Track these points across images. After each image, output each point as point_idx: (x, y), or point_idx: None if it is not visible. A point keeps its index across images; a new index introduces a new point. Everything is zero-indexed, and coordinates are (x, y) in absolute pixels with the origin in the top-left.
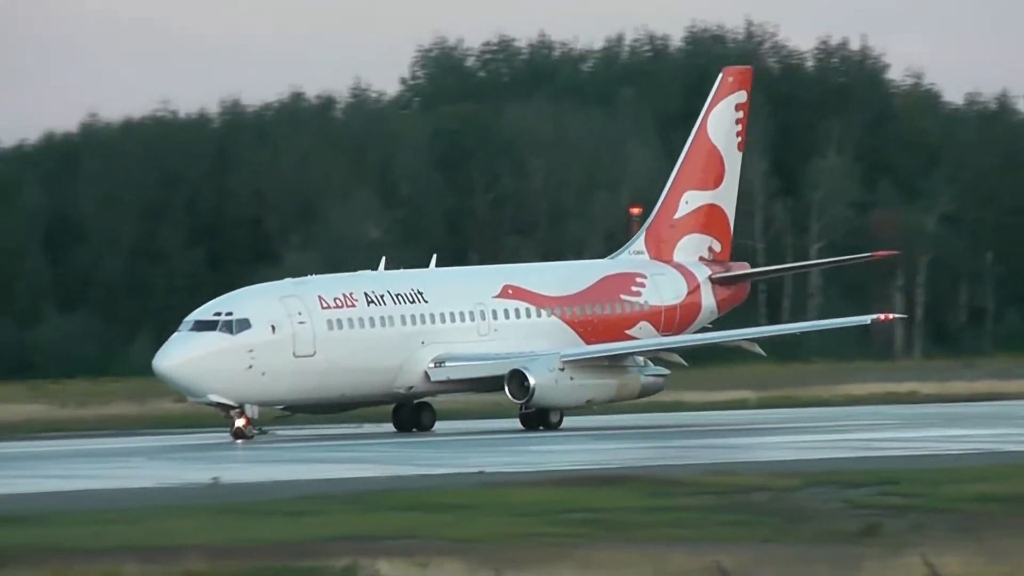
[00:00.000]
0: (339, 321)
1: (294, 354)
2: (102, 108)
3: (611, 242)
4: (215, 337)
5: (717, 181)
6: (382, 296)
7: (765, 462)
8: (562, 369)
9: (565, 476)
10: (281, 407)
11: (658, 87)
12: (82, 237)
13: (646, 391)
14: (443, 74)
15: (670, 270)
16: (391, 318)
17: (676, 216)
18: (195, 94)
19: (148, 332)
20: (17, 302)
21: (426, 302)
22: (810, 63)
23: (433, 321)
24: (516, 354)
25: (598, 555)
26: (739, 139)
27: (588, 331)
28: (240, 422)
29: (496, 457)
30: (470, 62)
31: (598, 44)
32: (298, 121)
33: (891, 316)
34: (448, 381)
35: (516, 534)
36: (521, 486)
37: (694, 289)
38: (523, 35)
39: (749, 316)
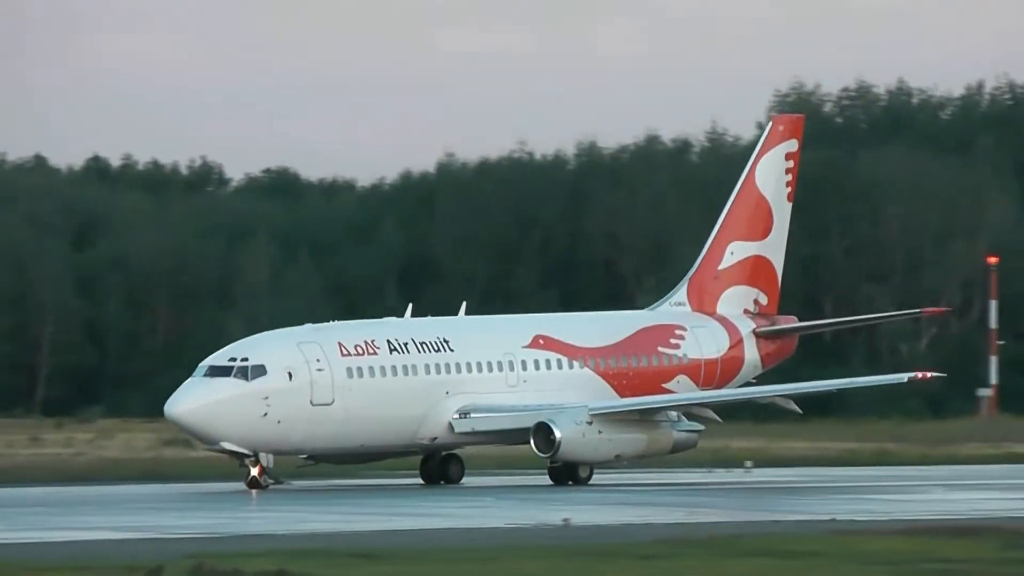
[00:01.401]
0: (359, 369)
1: (311, 402)
2: (459, 149)
3: (967, 291)
4: (229, 383)
5: (765, 232)
6: (406, 344)
7: None
8: (590, 422)
9: (918, 525)
10: (303, 456)
11: (1018, 135)
12: (438, 275)
13: (679, 447)
14: None
15: (711, 323)
16: (414, 367)
17: (720, 267)
18: (551, 136)
19: None
20: None
21: (452, 351)
22: None
23: (459, 370)
24: (543, 406)
25: None
26: (789, 189)
27: (623, 384)
28: (255, 471)
29: (847, 505)
30: (827, 108)
31: (957, 91)
32: (653, 164)
33: (929, 375)
34: (473, 433)
35: None
36: (873, 534)
37: (736, 343)
38: (882, 82)
39: None
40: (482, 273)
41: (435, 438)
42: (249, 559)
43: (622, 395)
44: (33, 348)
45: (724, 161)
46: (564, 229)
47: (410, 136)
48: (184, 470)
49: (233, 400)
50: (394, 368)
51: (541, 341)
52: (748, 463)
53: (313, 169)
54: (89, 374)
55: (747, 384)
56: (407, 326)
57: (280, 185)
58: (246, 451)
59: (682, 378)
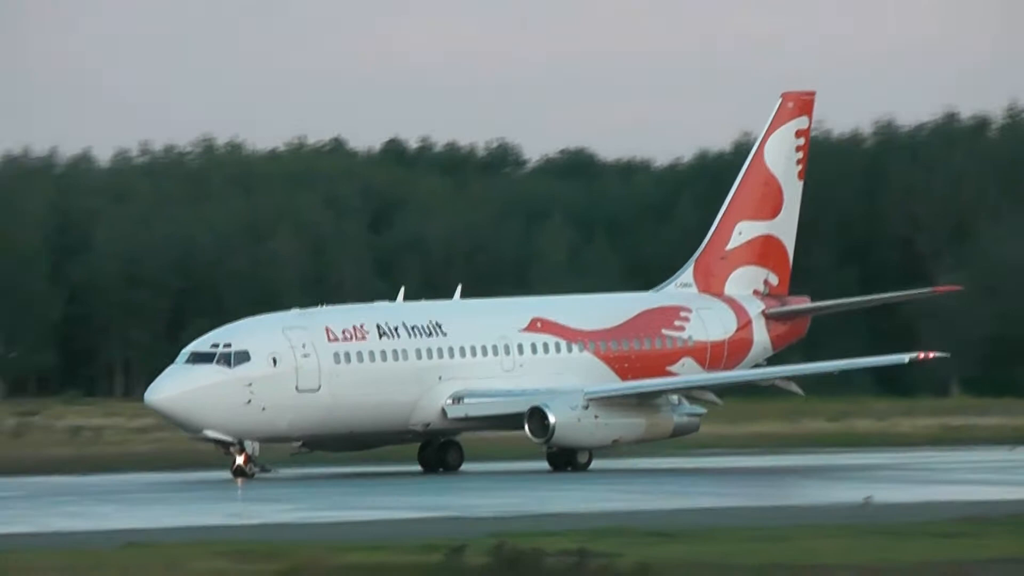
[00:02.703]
0: (347, 354)
1: (297, 388)
2: (755, 127)
3: None
4: (211, 370)
5: (775, 211)
6: (396, 328)
7: None
8: (586, 407)
9: None
10: (298, 444)
11: None
12: None
13: (679, 431)
14: None
15: (718, 304)
16: (405, 351)
17: (728, 247)
18: (848, 114)
19: (799, 353)
20: None
21: (445, 335)
22: None
23: (452, 355)
24: (538, 391)
25: None
26: (799, 167)
27: (624, 367)
28: (240, 459)
29: None
30: None
31: None
32: (951, 141)
33: (931, 354)
34: (466, 418)
35: None
36: None
37: (744, 324)
38: None
39: None
40: None
41: (428, 424)
42: (550, 538)
43: (624, 379)
44: None
45: None
46: (861, 208)
47: (706, 115)
48: (484, 450)
49: (215, 387)
50: (384, 353)
51: (539, 324)
52: None
53: (609, 149)
54: None
55: (757, 366)
56: (398, 310)
57: (577, 166)
58: (230, 439)
59: (687, 361)
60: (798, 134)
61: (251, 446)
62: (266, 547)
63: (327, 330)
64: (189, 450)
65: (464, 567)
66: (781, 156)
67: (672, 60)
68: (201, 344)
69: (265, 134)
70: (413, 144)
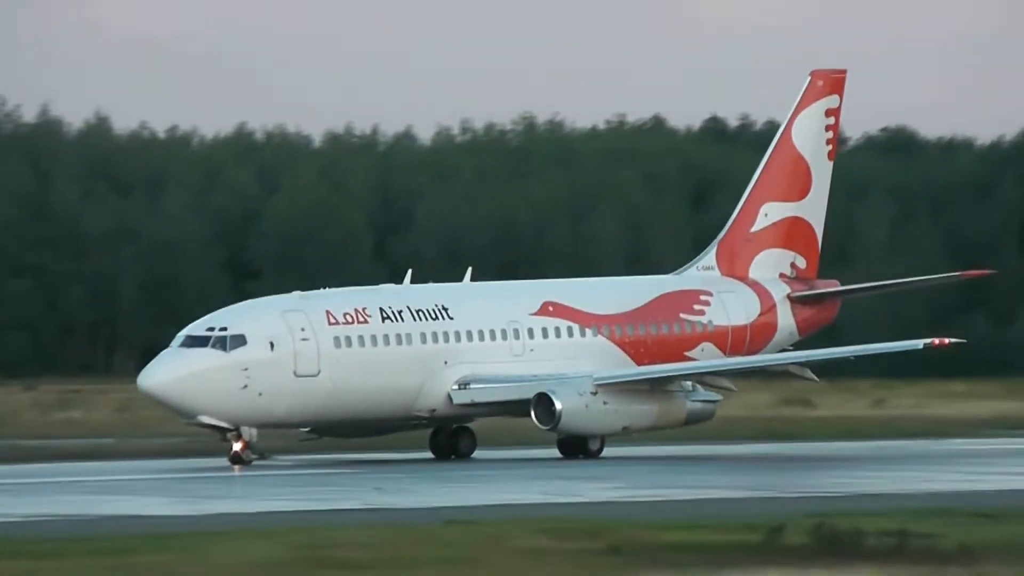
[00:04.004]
0: (348, 338)
1: (295, 373)
2: None
3: None
4: (206, 354)
5: (803, 192)
6: (400, 312)
7: None
8: (594, 393)
9: None
10: (305, 430)
11: None
12: None
13: (693, 418)
14: None
15: (741, 287)
16: (409, 335)
17: (753, 229)
18: None
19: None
20: (994, 299)
21: (451, 319)
22: None
23: (458, 339)
24: (545, 376)
25: None
26: (829, 147)
27: (640, 352)
28: (237, 446)
29: None
30: None
31: None
32: None
33: (946, 341)
34: (473, 404)
35: None
36: None
37: (769, 308)
38: None
39: None
40: None
41: (434, 410)
42: (869, 519)
43: (640, 364)
44: None
45: None
46: None
47: None
48: (804, 429)
49: (210, 372)
50: (386, 337)
51: (551, 308)
52: None
53: (931, 127)
54: None
55: (783, 351)
56: (403, 293)
57: (898, 144)
58: (226, 425)
59: (707, 346)
60: (828, 113)
61: (248, 432)
62: (587, 525)
63: (327, 313)
64: (508, 426)
65: (784, 546)
66: (810, 136)
67: (1002, 36)
68: (196, 327)
69: (585, 112)
70: (732, 122)
